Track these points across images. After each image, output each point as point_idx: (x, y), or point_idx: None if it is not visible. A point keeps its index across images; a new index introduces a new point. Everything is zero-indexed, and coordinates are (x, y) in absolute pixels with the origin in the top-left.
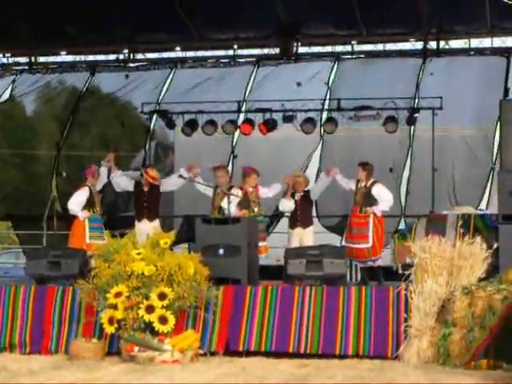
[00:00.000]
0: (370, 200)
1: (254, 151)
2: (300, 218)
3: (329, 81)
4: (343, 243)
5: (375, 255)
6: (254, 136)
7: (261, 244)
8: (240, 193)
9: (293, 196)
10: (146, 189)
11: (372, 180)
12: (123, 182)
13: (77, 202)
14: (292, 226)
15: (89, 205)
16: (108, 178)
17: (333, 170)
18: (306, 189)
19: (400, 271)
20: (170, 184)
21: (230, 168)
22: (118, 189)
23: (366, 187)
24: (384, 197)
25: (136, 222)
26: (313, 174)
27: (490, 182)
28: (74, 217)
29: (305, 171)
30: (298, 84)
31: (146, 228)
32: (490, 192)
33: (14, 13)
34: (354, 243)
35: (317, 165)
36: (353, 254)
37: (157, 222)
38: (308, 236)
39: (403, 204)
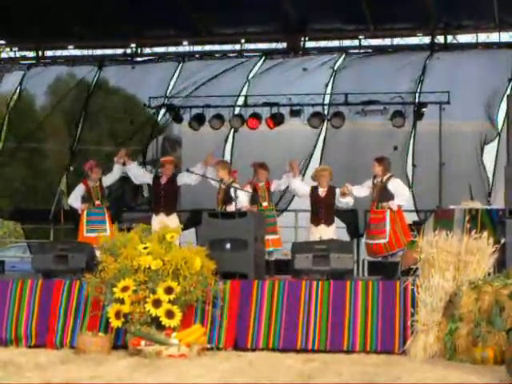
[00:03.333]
0: (387, 195)
1: (255, 144)
2: (323, 215)
3: (334, 73)
4: (363, 240)
5: (392, 250)
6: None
7: (271, 237)
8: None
9: (315, 190)
10: (163, 181)
11: (388, 174)
12: (140, 173)
13: (75, 197)
14: (315, 222)
15: (87, 199)
16: (122, 173)
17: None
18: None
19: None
20: (182, 180)
21: (229, 158)
22: (135, 181)
23: (382, 182)
24: (400, 191)
25: (153, 216)
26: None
27: (494, 177)
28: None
29: (307, 165)
30: (304, 69)
31: (163, 222)
32: (492, 186)
33: (22, 7)
34: (373, 239)
35: (319, 157)
36: (372, 250)
37: (174, 216)
38: (330, 235)
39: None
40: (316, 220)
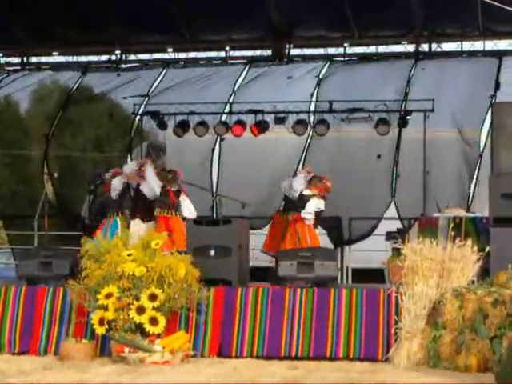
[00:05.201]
0: None
1: (239, 151)
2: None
3: (319, 80)
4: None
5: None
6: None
7: None
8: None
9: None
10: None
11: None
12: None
13: None
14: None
15: None
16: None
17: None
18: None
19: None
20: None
21: (216, 166)
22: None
23: None
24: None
25: (130, 221)
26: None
27: (475, 184)
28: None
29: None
30: (289, 77)
31: (140, 228)
32: (473, 195)
33: (7, 13)
34: None
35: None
36: None
37: (151, 224)
38: None
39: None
40: None
